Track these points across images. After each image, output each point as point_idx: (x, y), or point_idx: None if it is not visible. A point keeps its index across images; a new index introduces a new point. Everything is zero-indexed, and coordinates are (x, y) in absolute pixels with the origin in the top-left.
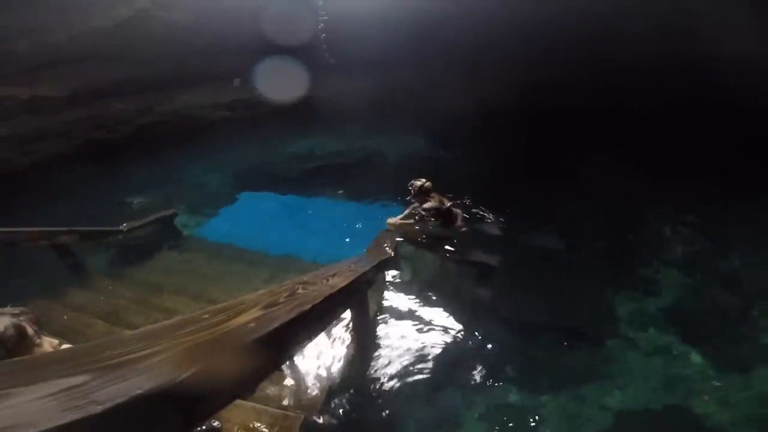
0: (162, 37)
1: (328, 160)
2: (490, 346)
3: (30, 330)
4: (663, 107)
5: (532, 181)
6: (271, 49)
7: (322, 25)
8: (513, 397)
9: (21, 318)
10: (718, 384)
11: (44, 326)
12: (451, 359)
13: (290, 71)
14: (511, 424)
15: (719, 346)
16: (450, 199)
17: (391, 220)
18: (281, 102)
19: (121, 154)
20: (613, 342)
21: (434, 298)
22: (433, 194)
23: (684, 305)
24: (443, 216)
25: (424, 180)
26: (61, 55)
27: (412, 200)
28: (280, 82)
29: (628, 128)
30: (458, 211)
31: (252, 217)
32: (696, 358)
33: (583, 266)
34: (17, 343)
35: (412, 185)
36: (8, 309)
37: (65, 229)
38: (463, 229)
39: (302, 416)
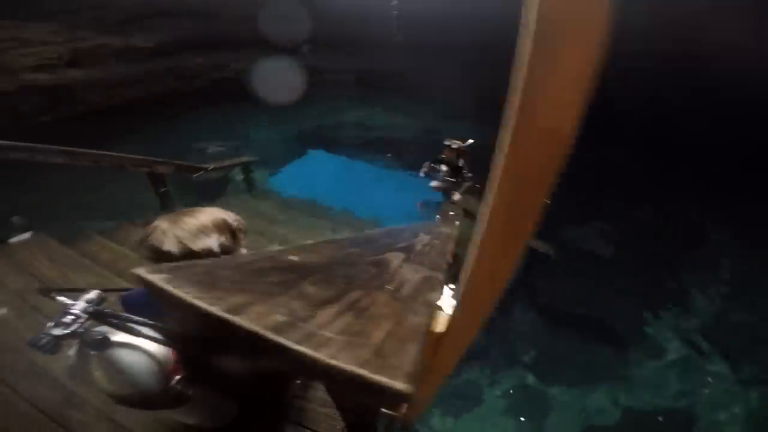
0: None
1: (386, 131)
2: (522, 329)
3: (240, 233)
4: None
5: (588, 182)
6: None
7: (395, 2)
8: (533, 382)
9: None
10: (734, 402)
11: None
12: (482, 336)
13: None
14: (526, 406)
15: (745, 367)
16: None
17: (457, 195)
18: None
19: (194, 105)
20: (640, 346)
21: None
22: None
23: (719, 324)
24: None
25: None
26: (156, 8)
27: (445, 156)
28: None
29: (696, 141)
30: None
31: (317, 174)
32: (718, 375)
33: (627, 270)
34: (235, 238)
35: (457, 145)
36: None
37: (164, 160)
38: None
39: None
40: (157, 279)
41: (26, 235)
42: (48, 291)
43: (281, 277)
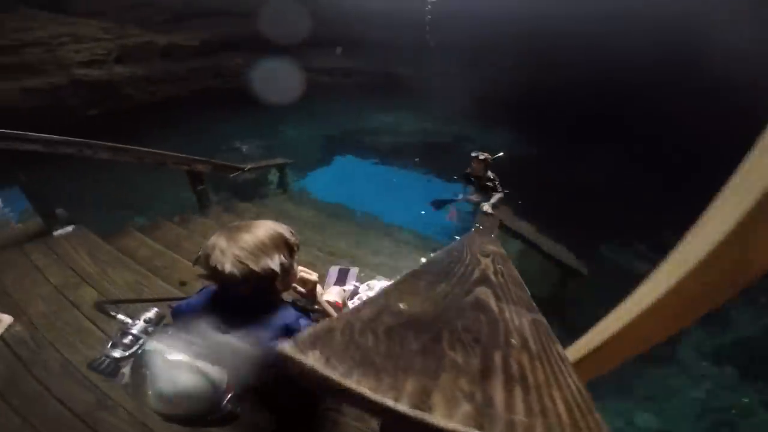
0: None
1: (416, 137)
2: None
3: (296, 247)
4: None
5: (620, 200)
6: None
7: (429, 6)
8: None
9: (293, 232)
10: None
11: (177, 251)
12: None
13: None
14: None
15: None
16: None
17: (488, 206)
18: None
19: (231, 104)
20: (666, 364)
21: None
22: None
23: (752, 346)
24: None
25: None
26: (199, 8)
27: (473, 168)
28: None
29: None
30: None
31: (348, 178)
32: (746, 397)
33: None
34: (292, 253)
35: (484, 157)
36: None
37: (203, 159)
38: None
39: None
40: (317, 364)
41: (69, 229)
42: (104, 304)
43: (417, 342)
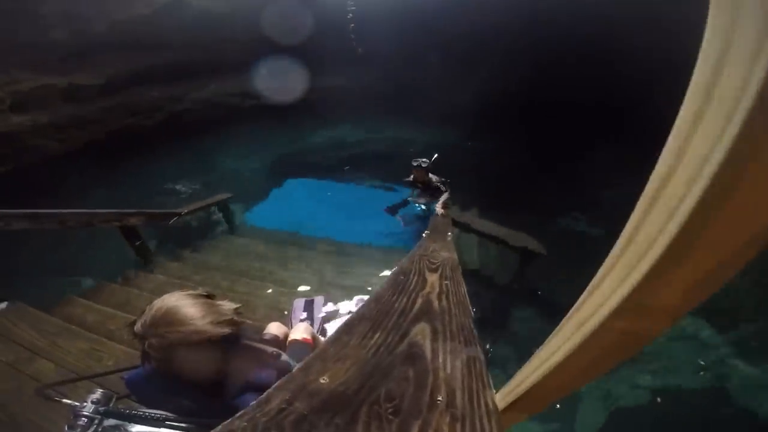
0: (196, 25)
1: (359, 149)
2: (526, 329)
3: (238, 315)
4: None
5: (562, 171)
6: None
7: (350, 15)
8: None
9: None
10: (746, 369)
11: (129, 310)
12: (487, 336)
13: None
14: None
15: (749, 334)
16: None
17: (439, 207)
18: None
19: (154, 141)
20: None
21: (473, 279)
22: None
23: (716, 296)
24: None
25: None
26: (98, 43)
27: (415, 176)
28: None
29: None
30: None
31: (296, 203)
32: (725, 345)
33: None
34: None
35: (424, 162)
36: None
37: (134, 211)
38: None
39: None
40: None
41: (2, 305)
42: (44, 389)
43: (328, 430)
